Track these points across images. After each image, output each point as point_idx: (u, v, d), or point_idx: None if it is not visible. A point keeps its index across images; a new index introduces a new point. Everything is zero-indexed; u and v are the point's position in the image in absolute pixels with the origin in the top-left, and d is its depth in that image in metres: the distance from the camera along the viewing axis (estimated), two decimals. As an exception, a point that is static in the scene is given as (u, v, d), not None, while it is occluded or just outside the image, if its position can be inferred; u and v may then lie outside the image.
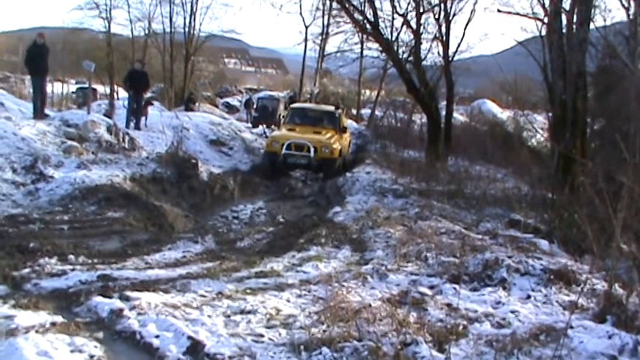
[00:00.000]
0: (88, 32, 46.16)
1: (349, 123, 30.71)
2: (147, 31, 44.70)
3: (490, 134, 30.35)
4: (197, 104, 34.76)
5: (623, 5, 17.56)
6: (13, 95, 23.85)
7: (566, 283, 7.40)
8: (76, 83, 47.99)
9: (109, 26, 44.25)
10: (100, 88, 45.41)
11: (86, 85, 24.53)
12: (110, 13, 43.74)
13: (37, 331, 5.54)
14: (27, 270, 7.79)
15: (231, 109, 44.76)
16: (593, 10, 16.18)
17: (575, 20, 14.12)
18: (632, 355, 5.18)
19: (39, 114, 17.22)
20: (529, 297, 7.03)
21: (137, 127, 20.48)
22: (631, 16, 18.45)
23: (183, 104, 33.89)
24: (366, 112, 44.33)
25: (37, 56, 17.55)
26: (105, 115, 21.27)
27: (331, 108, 24.74)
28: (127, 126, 19.85)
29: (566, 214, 11.33)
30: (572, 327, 5.61)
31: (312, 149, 19.91)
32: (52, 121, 16.70)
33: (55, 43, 46.88)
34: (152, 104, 23.91)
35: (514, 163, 20.23)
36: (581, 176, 11.42)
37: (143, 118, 21.34)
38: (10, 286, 7.11)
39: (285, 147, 19.95)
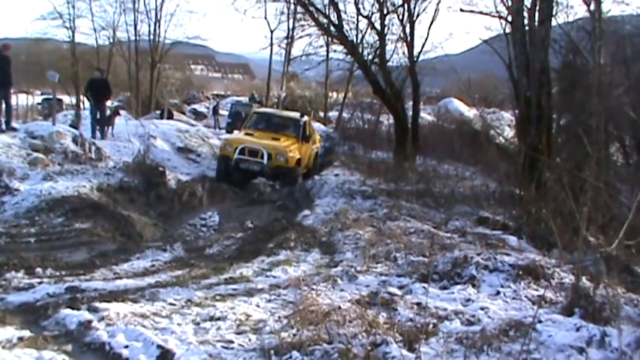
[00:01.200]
0: (51, 42, 45.89)
1: (317, 126, 30.70)
2: (111, 40, 44.60)
3: (457, 133, 30.55)
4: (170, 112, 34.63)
5: (584, 1, 17.69)
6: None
7: (535, 277, 7.44)
8: (42, 94, 47.62)
9: (73, 36, 44.11)
10: (66, 99, 45.13)
11: (51, 96, 24.32)
12: (74, 23, 43.61)
13: (3, 347, 5.46)
14: (-7, 285, 7.70)
15: (198, 115, 44.64)
16: (555, 7, 16.28)
17: (537, 17, 14.23)
18: (599, 347, 5.23)
19: (7, 127, 17.02)
20: (498, 293, 7.07)
21: (102, 137, 20.32)
22: (592, 12, 18.62)
23: (157, 114, 33.64)
24: (333, 114, 44.39)
25: (1, 68, 17.32)
26: (71, 125, 21.16)
27: (296, 115, 23.81)
28: (93, 136, 19.69)
29: (533, 210, 11.41)
30: (540, 321, 5.66)
31: (265, 155, 18.97)
32: (16, 133, 16.53)
33: (18, 54, 46.33)
34: (119, 114, 23.69)
35: (482, 161, 20.37)
36: (548, 172, 11.54)
37: (110, 128, 21.19)
38: (-24, 301, 7.02)
39: (237, 151, 19.06)
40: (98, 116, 21.04)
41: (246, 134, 20.69)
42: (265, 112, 24.83)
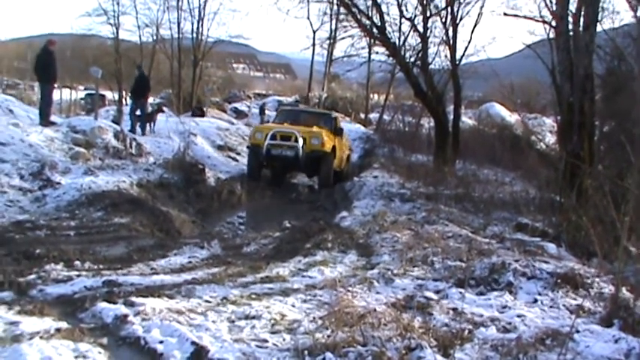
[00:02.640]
0: (96, 38, 46.33)
1: (357, 127, 30.70)
2: (155, 37, 44.81)
3: (498, 138, 30.38)
4: (206, 111, 34.72)
5: (631, 7, 17.47)
6: (21, 102, 23.87)
7: (574, 286, 7.34)
8: (85, 89, 48.13)
9: (117, 32, 44.47)
10: (109, 95, 45.58)
11: (94, 92, 24.55)
12: (118, 20, 43.96)
13: (41, 337, 5.51)
14: (33, 276, 7.77)
15: (239, 114, 44.75)
16: (600, 13, 16.13)
17: (581, 23, 14.07)
18: (638, 359, 5.15)
19: (45, 121, 17.23)
20: (536, 301, 6.98)
21: (143, 133, 20.50)
22: (638, 18, 18.37)
23: (190, 111, 33.81)
24: (374, 116, 44.32)
25: (46, 63, 17.54)
26: (113, 121, 21.35)
27: (327, 111, 23.95)
28: (132, 131, 19.85)
29: (573, 218, 11.28)
30: (578, 331, 5.58)
31: (299, 139, 18.26)
32: (59, 128, 16.76)
33: (63, 49, 47.10)
34: (163, 111, 23.90)
35: (522, 167, 20.25)
36: (589, 179, 11.39)
37: (151, 124, 21.38)
38: (16, 292, 7.08)
39: (269, 137, 18.35)
40: (138, 112, 21.28)
41: (277, 123, 20.50)
42: (293, 108, 24.87)
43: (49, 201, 12.88)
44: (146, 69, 39.75)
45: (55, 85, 19.89)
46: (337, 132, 20.82)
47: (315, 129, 19.23)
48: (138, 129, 20.76)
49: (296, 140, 18.22)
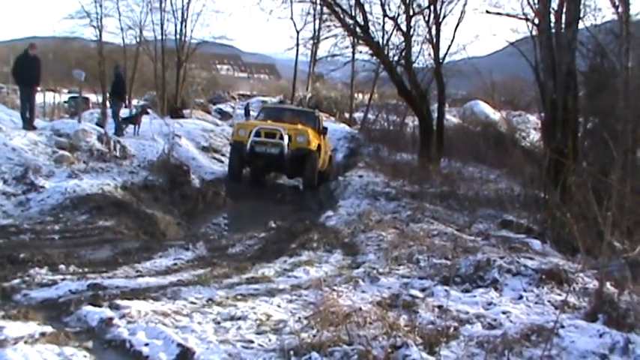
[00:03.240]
0: (79, 41, 46.16)
1: (342, 127, 30.69)
2: (138, 39, 44.73)
3: (483, 135, 30.46)
4: (188, 111, 34.63)
5: (612, 4, 17.55)
6: (4, 105, 23.81)
7: (559, 282, 7.37)
8: (68, 93, 47.95)
9: (100, 35, 44.35)
10: (93, 97, 45.46)
11: (78, 95, 24.50)
12: (101, 22, 43.84)
13: (26, 342, 5.50)
14: (17, 280, 7.75)
15: (224, 115, 44.69)
16: (582, 10, 16.17)
17: (564, 20, 14.12)
18: (622, 354, 5.17)
19: (28, 125, 17.14)
20: (521, 297, 7.01)
21: (120, 134, 20.33)
22: (620, 15, 18.47)
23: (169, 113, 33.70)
24: (359, 115, 44.35)
25: (26, 66, 17.46)
26: (97, 124, 21.29)
27: (308, 109, 23.80)
28: (117, 133, 19.77)
29: (557, 214, 11.32)
30: (563, 326, 5.60)
31: (285, 137, 17.83)
32: (43, 131, 16.69)
33: (46, 52, 46.84)
34: (147, 112, 23.82)
35: (507, 164, 20.28)
36: (573, 176, 11.45)
37: (136, 126, 21.31)
38: (0, 297, 7.08)
39: (253, 134, 17.89)
40: (122, 113, 21.32)
41: (261, 121, 19.92)
42: (276, 106, 24.28)
43: (33, 205, 12.84)
44: (130, 71, 39.80)
45: (38, 89, 19.74)
46: (322, 131, 20.46)
47: (300, 127, 18.94)
48: (127, 130, 20.73)
49: (281, 137, 17.83)
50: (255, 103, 46.83)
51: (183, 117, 30.10)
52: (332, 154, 23.37)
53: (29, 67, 17.45)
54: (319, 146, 19.38)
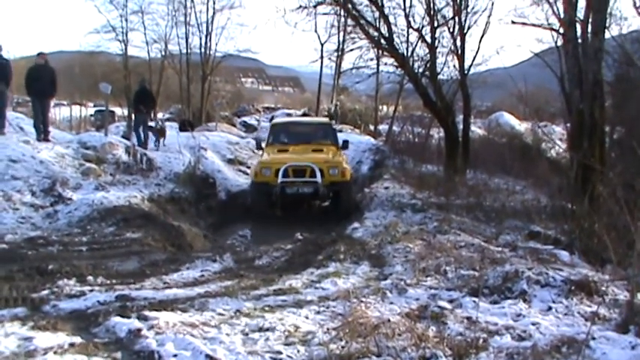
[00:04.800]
0: (104, 55, 46.63)
1: (367, 139, 30.63)
2: (163, 53, 45.13)
3: (508, 146, 30.29)
4: (214, 124, 34.73)
5: (638, 13, 17.46)
6: (32, 119, 24.00)
7: (588, 293, 7.29)
8: (94, 106, 48.30)
9: (126, 49, 44.82)
10: (119, 111, 45.82)
11: (104, 108, 24.63)
12: (126, 36, 44.32)
13: (55, 353, 5.54)
14: (46, 291, 7.84)
15: (248, 128, 44.84)
16: (608, 19, 16.08)
17: (589, 29, 14.05)
18: (655, 365, 5.11)
19: (42, 136, 17.22)
20: (550, 309, 6.94)
21: (141, 145, 20.41)
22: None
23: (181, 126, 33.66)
24: (383, 127, 44.25)
25: (36, 78, 17.52)
26: (123, 136, 21.44)
27: (324, 119, 21.53)
28: (139, 144, 19.85)
29: (586, 225, 11.23)
30: (594, 338, 5.54)
31: (317, 172, 15.92)
32: (70, 144, 16.84)
33: (72, 66, 47.45)
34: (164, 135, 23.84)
35: (533, 175, 20.16)
36: (601, 186, 11.35)
37: (162, 139, 21.43)
38: (29, 307, 7.14)
39: (281, 175, 15.83)
40: (151, 124, 21.43)
41: (280, 151, 17.59)
42: (286, 121, 21.56)
43: (61, 217, 12.96)
44: (155, 85, 40.04)
45: (52, 101, 19.73)
46: (343, 146, 18.75)
47: (328, 155, 17.20)
48: (152, 144, 20.82)
49: (312, 174, 15.99)
50: (279, 115, 46.93)
51: (193, 129, 29.94)
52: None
53: (40, 77, 17.51)
54: (351, 174, 17.89)
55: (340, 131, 27.98)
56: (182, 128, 30.52)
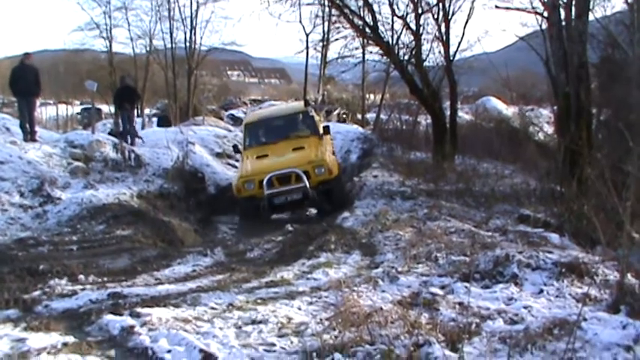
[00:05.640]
0: (89, 53, 46.27)
1: (355, 128, 30.61)
2: (148, 48, 44.84)
3: (496, 131, 30.36)
4: (201, 118, 34.69)
5: (621, -6, 17.53)
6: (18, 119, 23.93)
7: (579, 275, 7.31)
8: (81, 104, 48.18)
9: (111, 45, 44.51)
10: (105, 108, 45.68)
11: (90, 106, 24.60)
12: (111, 33, 43.99)
13: (48, 353, 5.55)
14: (37, 292, 7.85)
15: (236, 121, 44.80)
16: (591, 1, 16.13)
17: (573, 12, 14.08)
18: (647, 344, 5.13)
19: (29, 136, 17.14)
20: (541, 291, 6.96)
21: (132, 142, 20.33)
22: (630, 5, 18.39)
23: (159, 121, 33.38)
24: (371, 116, 44.23)
25: (20, 77, 17.39)
26: (110, 134, 21.34)
27: (299, 105, 19.66)
28: (126, 141, 19.76)
29: (575, 207, 11.27)
30: (585, 319, 5.56)
31: (303, 176, 14.85)
32: (57, 143, 16.78)
33: (57, 65, 47.18)
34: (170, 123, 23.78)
35: (521, 159, 20.24)
36: (589, 168, 11.39)
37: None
38: (21, 309, 7.15)
39: (265, 186, 14.69)
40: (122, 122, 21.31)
41: (258, 157, 16.20)
42: (260, 118, 18.98)
43: (50, 217, 12.94)
44: (141, 80, 39.89)
45: (37, 100, 19.59)
46: (324, 131, 17.44)
47: (310, 152, 16.02)
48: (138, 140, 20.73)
49: (298, 179, 14.90)
50: (266, 107, 46.85)
51: (171, 125, 29.63)
52: (333, 150, 19.82)
53: (25, 77, 17.38)
54: (339, 166, 17.24)
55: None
56: (160, 124, 30.44)
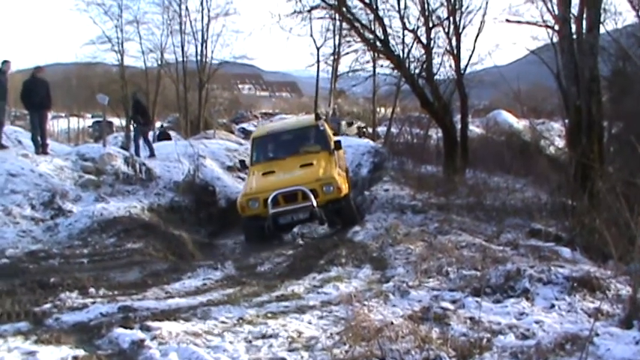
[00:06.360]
0: (101, 66, 46.59)
1: (366, 142, 30.58)
2: (159, 62, 45.09)
3: (507, 145, 30.30)
4: (212, 132, 34.79)
5: (633, 7, 17.48)
6: (29, 132, 24.06)
7: (591, 290, 7.28)
8: (92, 117, 48.34)
9: (122, 59, 44.76)
10: (116, 121, 45.85)
11: (102, 119, 24.68)
12: (122, 46, 44.26)
13: (59, 366, 5.54)
14: (48, 305, 7.85)
15: (247, 134, 44.93)
16: (602, 14, 16.12)
17: (584, 25, 14.07)
18: (660, 360, 5.09)
19: (40, 149, 17.17)
20: (553, 306, 6.92)
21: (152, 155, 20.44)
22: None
23: (159, 135, 33.36)
24: (382, 129, 44.26)
25: (33, 91, 17.44)
26: (122, 147, 21.43)
27: (310, 119, 18.83)
28: (136, 154, 19.84)
29: (586, 221, 11.22)
30: (597, 334, 5.53)
31: (309, 194, 13.94)
32: (68, 156, 16.83)
33: (69, 78, 47.43)
34: (169, 137, 23.89)
35: (532, 173, 20.20)
36: (600, 181, 11.35)
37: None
38: (32, 321, 7.15)
39: (270, 205, 13.79)
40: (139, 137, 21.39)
41: (265, 174, 15.30)
42: (268, 132, 17.97)
43: (62, 229, 12.98)
44: (152, 94, 40.05)
45: (49, 113, 19.67)
46: (336, 146, 16.55)
47: (319, 168, 15.03)
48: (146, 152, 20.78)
49: (305, 198, 14.03)
50: (277, 120, 46.99)
51: (170, 139, 29.44)
52: (347, 168, 19.74)
53: (37, 91, 17.42)
54: (349, 182, 16.52)
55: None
56: (160, 138, 30.46)
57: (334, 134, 19.99)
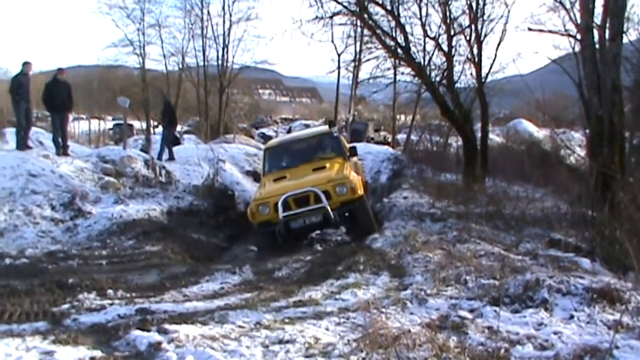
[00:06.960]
0: (122, 69, 46.80)
1: (385, 149, 30.55)
2: (180, 66, 45.31)
3: (527, 154, 30.16)
4: (232, 136, 34.88)
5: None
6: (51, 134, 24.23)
7: (610, 301, 7.21)
8: (113, 120, 48.58)
9: (144, 62, 44.97)
10: (137, 124, 46.06)
11: (122, 122, 24.82)
12: (144, 50, 44.46)
13: (76, 367, 5.56)
14: (66, 305, 7.89)
15: (267, 139, 45.08)
16: (625, 24, 15.99)
17: (607, 35, 13.98)
18: (680, 375, 5.05)
19: (61, 150, 17.25)
20: (572, 317, 6.87)
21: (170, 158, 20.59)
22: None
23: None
24: (402, 137, 44.21)
25: (55, 92, 17.57)
26: (142, 150, 21.54)
27: (323, 128, 18.27)
28: (159, 158, 19.99)
29: (607, 232, 11.13)
30: (617, 347, 5.48)
31: (322, 196, 13.39)
32: (89, 158, 16.93)
33: (90, 80, 47.73)
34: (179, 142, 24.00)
35: (552, 182, 20.07)
36: (621, 192, 11.27)
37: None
38: (50, 321, 7.19)
39: (280, 209, 13.30)
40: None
41: (276, 180, 14.85)
42: (280, 142, 17.76)
43: (81, 231, 13.04)
44: (172, 97, 40.23)
45: (70, 115, 19.80)
46: (348, 154, 15.94)
47: (331, 170, 14.54)
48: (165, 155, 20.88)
49: (317, 200, 13.44)
50: (297, 126, 47.04)
51: (180, 144, 29.44)
52: (365, 175, 19.16)
53: (59, 92, 17.54)
54: (365, 185, 15.96)
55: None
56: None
57: (358, 139, 19.95)
